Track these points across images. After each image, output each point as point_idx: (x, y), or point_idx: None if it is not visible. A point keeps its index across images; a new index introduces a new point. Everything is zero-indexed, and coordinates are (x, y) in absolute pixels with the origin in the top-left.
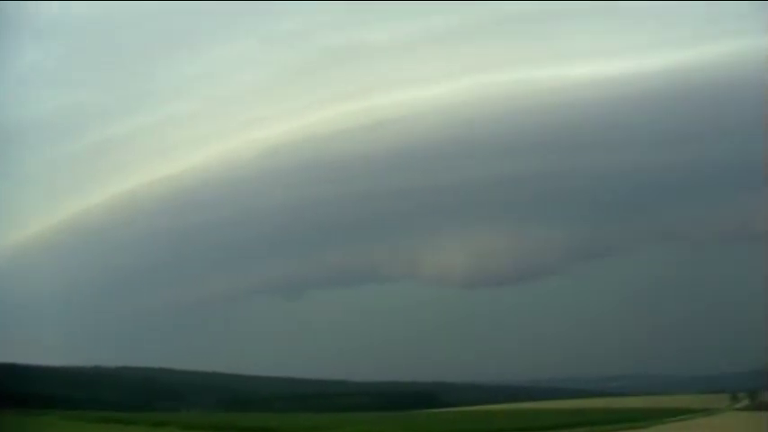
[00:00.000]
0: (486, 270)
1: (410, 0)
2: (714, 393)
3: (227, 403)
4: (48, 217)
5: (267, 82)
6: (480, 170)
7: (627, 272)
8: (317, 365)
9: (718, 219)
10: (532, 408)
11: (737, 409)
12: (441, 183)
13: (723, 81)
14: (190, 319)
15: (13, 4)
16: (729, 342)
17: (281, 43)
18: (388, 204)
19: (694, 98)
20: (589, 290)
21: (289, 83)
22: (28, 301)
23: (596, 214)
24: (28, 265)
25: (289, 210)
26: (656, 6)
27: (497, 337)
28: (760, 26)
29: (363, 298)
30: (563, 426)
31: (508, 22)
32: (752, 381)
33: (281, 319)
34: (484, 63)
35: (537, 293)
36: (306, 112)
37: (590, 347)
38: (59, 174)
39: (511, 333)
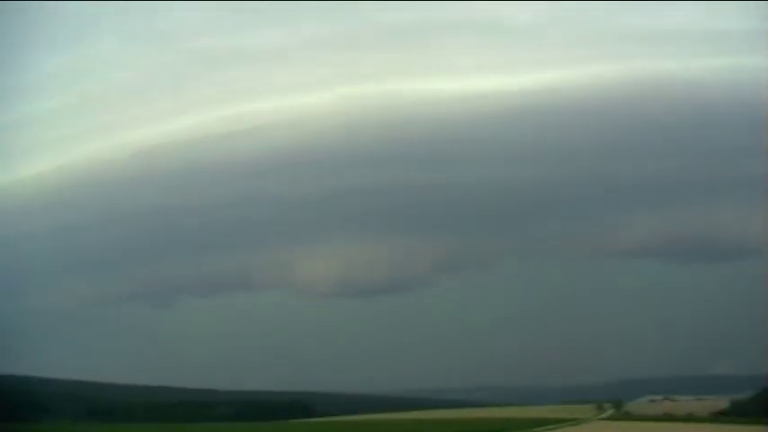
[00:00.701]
0: (356, 281)
1: (288, 1)
2: (580, 404)
3: (91, 413)
4: None
5: (137, 83)
6: (352, 180)
7: (495, 285)
8: (185, 374)
9: (587, 234)
10: (402, 418)
11: (602, 419)
12: (312, 192)
13: (603, 98)
14: (53, 326)
15: None
16: (596, 354)
17: (151, 43)
18: (260, 212)
19: (569, 115)
20: (458, 302)
21: (159, 85)
22: None
23: (466, 227)
24: None
25: (158, 215)
26: (536, 25)
27: (368, 347)
28: (628, 51)
29: (233, 306)
30: None
31: (385, 33)
32: (616, 391)
33: (150, 327)
34: (358, 73)
35: (407, 304)
36: (176, 116)
37: (458, 358)
38: None
39: (381, 343)
